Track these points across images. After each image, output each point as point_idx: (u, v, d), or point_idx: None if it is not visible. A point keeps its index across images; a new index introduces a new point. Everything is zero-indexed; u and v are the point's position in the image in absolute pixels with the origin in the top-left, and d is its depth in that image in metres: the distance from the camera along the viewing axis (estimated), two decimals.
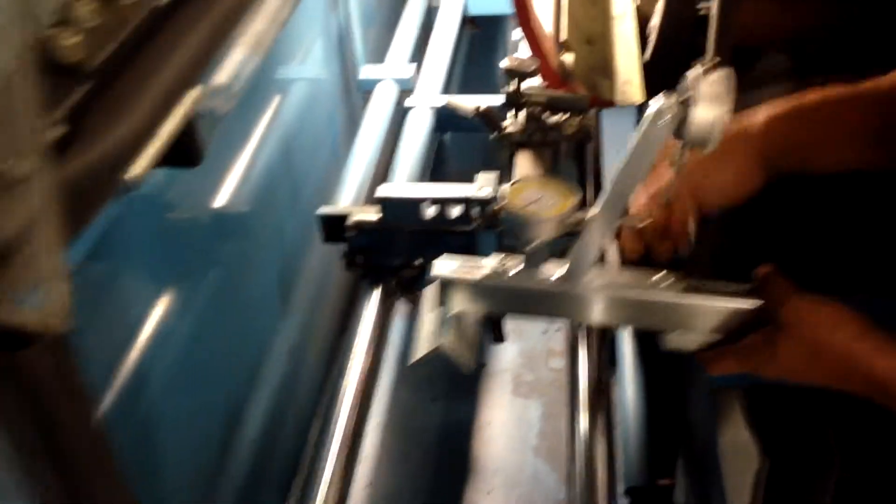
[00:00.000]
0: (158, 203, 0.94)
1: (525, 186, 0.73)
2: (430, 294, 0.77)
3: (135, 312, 0.87)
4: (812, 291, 0.71)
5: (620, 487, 1.19)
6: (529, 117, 0.92)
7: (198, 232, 1.04)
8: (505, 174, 0.88)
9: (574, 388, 0.92)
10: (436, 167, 1.81)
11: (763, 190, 0.80)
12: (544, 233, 0.71)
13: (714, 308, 0.73)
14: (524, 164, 0.90)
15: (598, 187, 1.09)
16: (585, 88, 1.07)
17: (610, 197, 0.67)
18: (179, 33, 0.51)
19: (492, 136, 0.93)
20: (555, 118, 0.91)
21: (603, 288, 0.74)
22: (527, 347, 1.74)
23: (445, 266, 0.77)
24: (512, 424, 1.60)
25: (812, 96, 0.77)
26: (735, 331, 0.73)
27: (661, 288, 0.74)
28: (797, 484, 0.87)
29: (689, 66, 1.10)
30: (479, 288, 0.75)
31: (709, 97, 0.62)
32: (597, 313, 0.75)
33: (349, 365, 0.99)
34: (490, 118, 0.93)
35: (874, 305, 0.71)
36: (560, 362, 1.71)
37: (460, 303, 0.76)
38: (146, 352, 0.86)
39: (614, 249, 0.83)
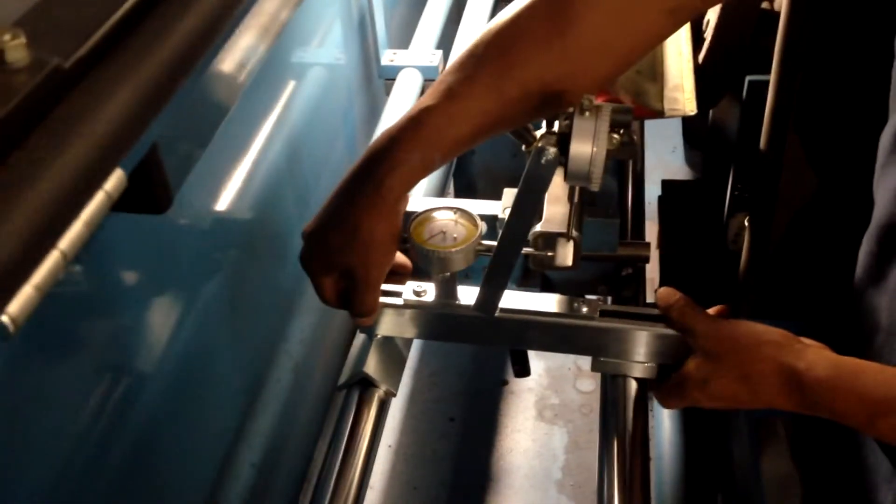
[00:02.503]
0: None
1: (428, 220, 0.75)
2: None
3: (129, 319, 0.81)
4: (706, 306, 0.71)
5: None
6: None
7: (206, 232, 0.96)
8: None
9: (607, 418, 0.83)
10: (463, 163, 1.71)
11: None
12: (451, 265, 0.73)
13: (631, 333, 0.74)
14: (555, 182, 0.79)
15: (638, 206, 0.99)
16: (629, 97, 0.95)
17: (509, 230, 0.69)
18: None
19: (523, 149, 0.81)
20: None
21: (519, 313, 0.75)
22: (553, 366, 1.63)
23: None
24: (534, 454, 1.48)
25: None
26: (672, 358, 0.73)
27: (577, 313, 0.74)
28: None
29: (748, 71, 0.99)
30: (402, 313, 0.76)
31: (584, 133, 0.62)
32: (515, 338, 0.77)
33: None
34: (519, 130, 0.81)
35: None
36: (589, 384, 1.58)
37: (386, 327, 0.78)
38: (143, 361, 0.82)
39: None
